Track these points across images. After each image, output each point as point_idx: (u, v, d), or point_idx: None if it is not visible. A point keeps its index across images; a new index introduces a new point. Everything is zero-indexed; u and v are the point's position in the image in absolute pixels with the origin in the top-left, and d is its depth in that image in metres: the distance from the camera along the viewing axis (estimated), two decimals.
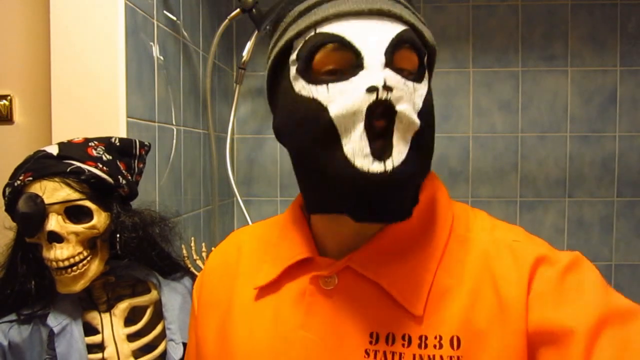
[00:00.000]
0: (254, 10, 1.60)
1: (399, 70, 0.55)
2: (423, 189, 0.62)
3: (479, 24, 2.11)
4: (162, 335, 1.02)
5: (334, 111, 0.53)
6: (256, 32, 1.70)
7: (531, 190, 2.12)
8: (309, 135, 0.56)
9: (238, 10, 1.64)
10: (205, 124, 1.81)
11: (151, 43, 1.35)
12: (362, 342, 0.56)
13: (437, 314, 0.56)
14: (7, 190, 0.93)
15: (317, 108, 0.54)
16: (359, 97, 0.52)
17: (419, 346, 0.54)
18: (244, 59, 1.77)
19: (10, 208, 0.94)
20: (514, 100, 2.12)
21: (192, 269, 1.20)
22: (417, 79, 0.57)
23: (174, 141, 1.52)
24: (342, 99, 0.53)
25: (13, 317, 0.96)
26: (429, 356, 0.54)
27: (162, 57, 1.42)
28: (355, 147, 0.52)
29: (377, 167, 0.52)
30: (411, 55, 0.56)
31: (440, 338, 0.54)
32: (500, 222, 0.64)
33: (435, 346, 0.54)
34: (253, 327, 0.62)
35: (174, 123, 1.52)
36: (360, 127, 0.52)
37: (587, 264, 0.56)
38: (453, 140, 2.13)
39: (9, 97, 1.31)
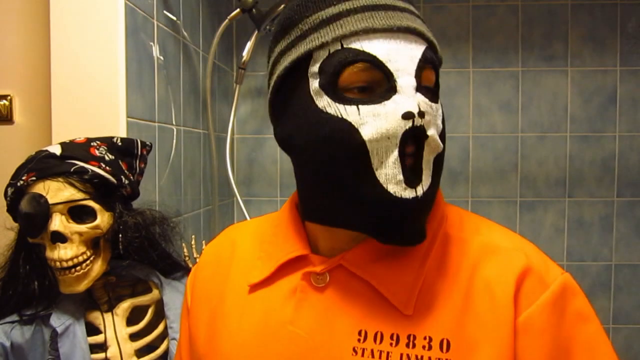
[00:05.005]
0: (254, 10, 1.60)
1: (425, 91, 0.56)
2: None
3: (479, 24, 2.11)
4: (163, 335, 1.02)
5: (367, 135, 0.53)
6: (256, 32, 1.70)
7: (531, 190, 2.12)
8: (336, 155, 0.55)
9: (238, 10, 1.64)
10: (205, 124, 1.81)
11: (151, 43, 1.35)
12: (350, 340, 0.56)
13: (428, 315, 0.56)
14: (10, 191, 0.93)
15: (348, 129, 0.53)
16: (394, 122, 0.52)
17: (407, 345, 0.54)
18: (244, 59, 1.77)
19: (13, 208, 0.94)
20: (514, 100, 2.12)
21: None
22: (436, 98, 0.58)
23: (174, 141, 1.52)
24: (376, 122, 0.53)
25: (15, 317, 0.95)
26: (416, 356, 0.54)
27: (162, 57, 1.42)
28: (389, 173, 0.53)
29: (409, 193, 0.53)
30: (431, 73, 0.57)
31: (430, 339, 0.54)
32: (496, 226, 0.64)
33: (424, 347, 0.54)
34: (243, 320, 0.63)
35: (174, 123, 1.52)
36: (394, 153, 0.53)
37: (579, 299, 0.57)
38: (453, 140, 2.13)
39: (9, 97, 1.31)
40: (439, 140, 0.56)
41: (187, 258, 1.27)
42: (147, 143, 1.08)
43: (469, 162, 2.13)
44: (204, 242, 1.45)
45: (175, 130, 1.53)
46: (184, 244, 1.23)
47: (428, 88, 0.56)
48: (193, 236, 1.44)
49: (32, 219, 0.90)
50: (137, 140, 1.05)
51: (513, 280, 0.56)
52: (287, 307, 0.60)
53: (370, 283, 0.58)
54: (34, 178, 0.90)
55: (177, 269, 1.11)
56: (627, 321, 2.12)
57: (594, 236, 2.12)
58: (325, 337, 0.57)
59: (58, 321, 0.93)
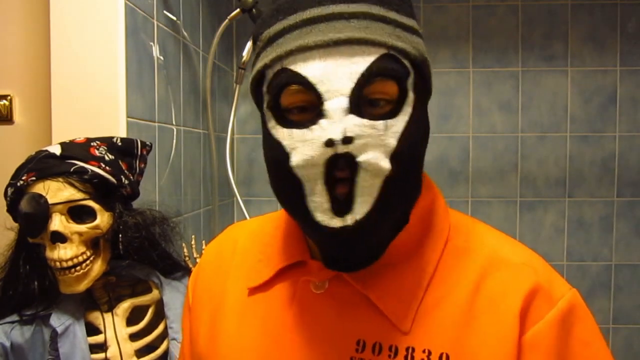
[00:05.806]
0: (254, 10, 1.60)
1: (373, 103, 0.52)
2: (419, 200, 0.61)
3: (479, 24, 2.11)
4: (163, 335, 1.02)
5: (294, 161, 0.52)
6: None
7: (531, 190, 2.12)
8: (277, 179, 0.56)
9: (238, 10, 1.64)
10: (205, 124, 1.81)
11: (151, 43, 1.35)
12: (348, 349, 0.56)
13: (428, 327, 0.55)
14: (10, 191, 0.93)
15: (282, 154, 0.53)
16: (317, 150, 0.50)
17: (406, 358, 0.54)
18: (244, 59, 1.77)
19: (13, 208, 0.94)
20: (514, 100, 2.12)
21: (193, 268, 1.20)
22: (393, 112, 0.52)
23: (174, 141, 1.52)
24: (302, 149, 0.51)
25: (15, 317, 0.95)
26: None
27: (162, 57, 1.42)
28: (316, 200, 0.52)
29: (336, 222, 0.51)
30: (387, 84, 0.52)
31: (429, 353, 0.54)
32: (503, 236, 0.63)
33: None
34: (243, 325, 0.62)
35: (174, 123, 1.52)
36: (320, 181, 0.51)
37: (587, 321, 0.56)
38: (453, 140, 2.13)
39: (9, 97, 1.31)
40: (382, 164, 0.51)
41: (187, 258, 1.27)
42: (147, 143, 1.08)
43: (469, 162, 2.13)
44: (203, 242, 1.45)
45: (175, 130, 1.53)
46: (184, 244, 1.23)
47: (377, 103, 0.52)
48: (193, 236, 1.44)
49: (32, 219, 0.90)
50: (137, 140, 1.05)
51: (520, 297, 0.54)
52: (287, 314, 0.60)
53: (368, 297, 0.57)
54: (33, 178, 0.90)
55: (177, 269, 1.11)
56: (627, 321, 2.12)
57: (594, 236, 2.12)
58: (323, 345, 0.57)
59: (58, 321, 0.93)
